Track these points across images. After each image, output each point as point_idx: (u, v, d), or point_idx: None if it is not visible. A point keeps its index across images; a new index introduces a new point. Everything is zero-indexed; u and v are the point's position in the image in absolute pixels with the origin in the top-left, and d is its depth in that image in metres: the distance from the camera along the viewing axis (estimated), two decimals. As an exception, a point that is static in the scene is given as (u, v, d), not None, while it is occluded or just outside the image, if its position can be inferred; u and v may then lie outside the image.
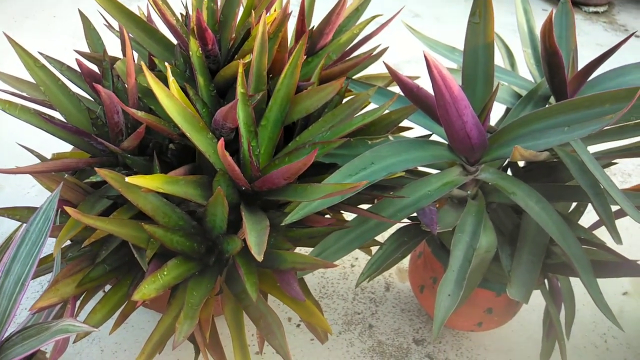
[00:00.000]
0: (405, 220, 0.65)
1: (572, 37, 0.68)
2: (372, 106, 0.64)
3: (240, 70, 0.49)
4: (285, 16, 0.55)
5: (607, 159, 0.65)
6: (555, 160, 0.66)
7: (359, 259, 0.99)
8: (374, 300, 0.91)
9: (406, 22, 0.68)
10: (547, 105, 0.65)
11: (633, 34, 0.59)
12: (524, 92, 0.66)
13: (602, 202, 0.57)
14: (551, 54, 0.55)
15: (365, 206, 0.62)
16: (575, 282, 0.72)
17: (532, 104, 0.64)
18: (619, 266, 0.60)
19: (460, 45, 0.71)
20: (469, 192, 0.64)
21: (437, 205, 0.74)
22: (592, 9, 1.96)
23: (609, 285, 0.98)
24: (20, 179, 1.10)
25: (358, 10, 0.75)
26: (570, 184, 0.64)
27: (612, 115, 0.47)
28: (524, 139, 0.55)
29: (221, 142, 0.42)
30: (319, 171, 0.62)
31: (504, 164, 0.68)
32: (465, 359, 0.84)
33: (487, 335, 0.87)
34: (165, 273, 0.53)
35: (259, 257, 0.42)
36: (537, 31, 0.73)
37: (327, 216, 0.67)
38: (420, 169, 0.67)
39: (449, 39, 0.80)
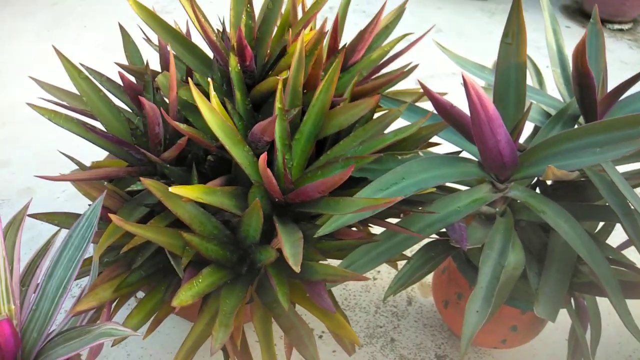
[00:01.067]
0: (433, 235, 0.66)
1: (601, 58, 0.68)
2: (401, 121, 0.65)
3: (280, 86, 0.51)
4: (322, 35, 0.57)
5: (636, 179, 0.65)
6: (583, 179, 0.66)
7: (380, 272, 1.00)
8: (396, 314, 0.92)
9: (436, 40, 0.69)
10: (576, 125, 0.66)
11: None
12: (552, 111, 0.67)
13: (631, 222, 0.57)
14: (583, 75, 0.56)
15: (393, 220, 0.63)
16: (601, 302, 0.72)
17: (561, 124, 0.65)
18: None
19: (484, 60, 0.72)
20: (497, 209, 0.65)
21: (466, 222, 0.74)
22: (616, 26, 1.96)
23: (637, 307, 0.97)
24: (52, 184, 1.13)
25: (388, 28, 0.77)
26: (598, 204, 0.64)
27: (645, 138, 0.47)
28: (555, 158, 0.55)
29: (263, 156, 0.44)
30: (349, 185, 0.63)
31: (532, 182, 0.69)
32: (488, 376, 0.84)
33: (510, 352, 0.87)
34: (200, 280, 0.54)
35: (297, 268, 0.43)
36: (566, 50, 0.73)
37: (354, 229, 0.68)
38: (450, 185, 0.68)
39: (472, 53, 0.81)
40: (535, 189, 0.70)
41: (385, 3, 0.66)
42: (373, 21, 0.64)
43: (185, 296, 0.50)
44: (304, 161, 0.61)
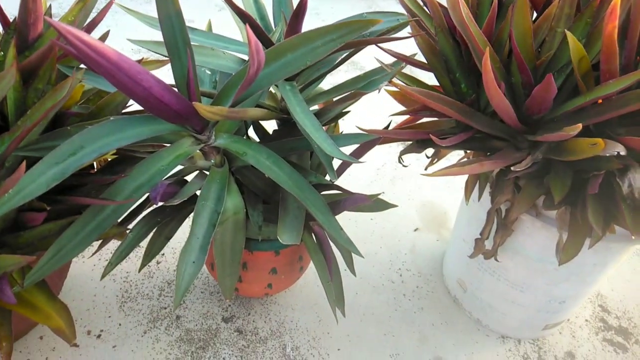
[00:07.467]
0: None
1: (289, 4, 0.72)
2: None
3: None
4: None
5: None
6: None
7: (165, 254, 0.97)
8: (181, 290, 0.90)
9: (120, 4, 0.66)
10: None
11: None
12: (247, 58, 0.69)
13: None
14: (242, 15, 0.57)
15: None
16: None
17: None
18: (347, 200, 0.65)
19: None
20: (212, 161, 0.65)
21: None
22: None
23: (402, 225, 1.08)
24: None
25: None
26: (301, 136, 0.68)
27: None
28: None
29: None
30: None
31: (247, 130, 0.71)
32: (274, 323, 0.86)
33: (293, 295, 0.90)
34: None
35: None
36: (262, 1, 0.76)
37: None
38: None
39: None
40: (253, 137, 0.72)
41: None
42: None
43: None
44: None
